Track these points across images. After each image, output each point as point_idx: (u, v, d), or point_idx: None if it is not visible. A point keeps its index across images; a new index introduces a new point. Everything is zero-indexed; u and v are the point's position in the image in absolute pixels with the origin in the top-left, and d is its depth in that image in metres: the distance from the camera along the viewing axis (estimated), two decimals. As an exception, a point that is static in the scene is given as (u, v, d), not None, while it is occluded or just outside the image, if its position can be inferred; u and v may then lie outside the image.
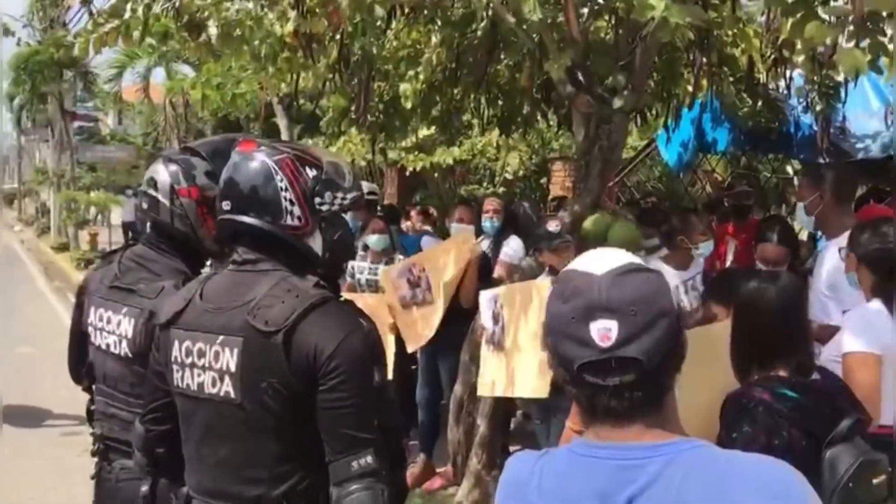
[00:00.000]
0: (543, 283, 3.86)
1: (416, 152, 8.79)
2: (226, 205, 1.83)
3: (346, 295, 4.66)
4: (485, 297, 4.23)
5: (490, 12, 4.25)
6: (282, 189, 1.78)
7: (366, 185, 6.20)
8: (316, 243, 1.86)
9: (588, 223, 4.43)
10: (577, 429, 2.21)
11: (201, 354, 1.74)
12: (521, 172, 9.08)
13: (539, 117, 7.03)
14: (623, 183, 9.07)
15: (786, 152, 7.37)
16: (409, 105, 5.22)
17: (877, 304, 2.65)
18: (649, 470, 1.13)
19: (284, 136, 7.15)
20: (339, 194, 1.87)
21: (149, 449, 1.96)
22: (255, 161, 1.82)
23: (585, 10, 4.24)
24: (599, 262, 1.21)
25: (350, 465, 1.66)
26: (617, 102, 4.01)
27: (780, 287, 2.23)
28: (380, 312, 4.57)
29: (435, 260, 4.73)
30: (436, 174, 10.83)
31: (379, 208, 6.43)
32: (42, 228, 26.49)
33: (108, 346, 2.23)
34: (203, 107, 7.97)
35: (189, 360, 1.76)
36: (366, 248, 5.22)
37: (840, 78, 5.69)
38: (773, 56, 5.53)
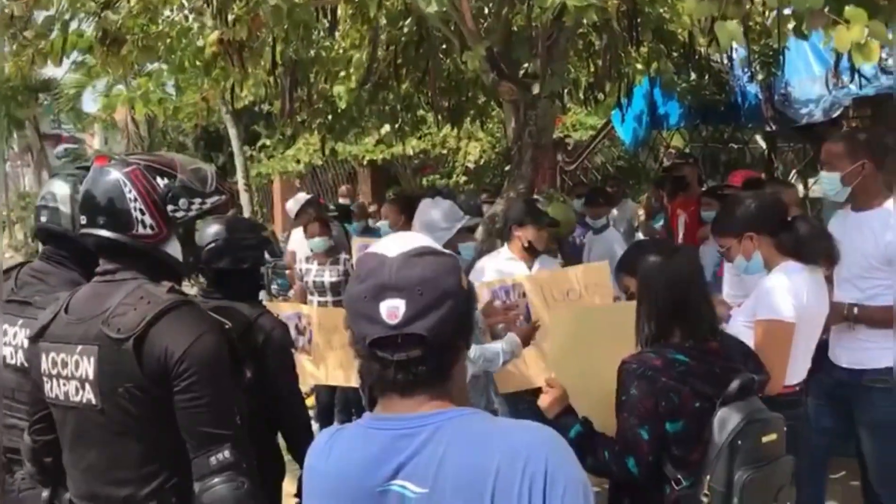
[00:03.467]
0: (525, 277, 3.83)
1: (378, 146, 8.89)
2: (83, 219, 1.89)
3: (306, 310, 4.80)
4: (488, 288, 3.79)
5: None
6: (131, 200, 1.84)
7: (302, 196, 6.28)
8: (174, 249, 1.91)
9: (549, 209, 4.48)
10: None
11: (64, 365, 1.81)
12: (482, 161, 9.15)
13: (496, 106, 7.11)
14: (584, 166, 9.13)
15: (735, 122, 7.43)
16: (343, 105, 5.26)
17: (787, 266, 2.70)
18: (419, 438, 1.20)
19: (234, 144, 7.23)
20: (197, 200, 1.93)
21: (37, 459, 2.02)
22: (107, 175, 1.87)
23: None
24: (395, 244, 1.28)
25: (209, 461, 1.73)
26: (535, 88, 4.06)
27: (676, 259, 2.29)
28: (336, 323, 4.50)
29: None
30: (407, 170, 10.92)
31: (332, 207, 6.48)
32: (31, 253, 26.54)
33: (4, 357, 2.29)
34: (160, 121, 8.12)
35: (55, 371, 1.83)
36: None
37: (778, 46, 5.78)
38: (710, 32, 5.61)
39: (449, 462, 1.17)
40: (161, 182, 1.87)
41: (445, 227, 3.26)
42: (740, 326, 2.69)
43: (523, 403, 3.95)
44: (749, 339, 2.52)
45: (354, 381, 4.37)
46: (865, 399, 3.03)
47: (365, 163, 10.85)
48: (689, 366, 2.10)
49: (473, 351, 2.75)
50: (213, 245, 2.63)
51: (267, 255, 2.90)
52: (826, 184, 3.10)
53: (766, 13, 5.01)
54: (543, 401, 2.30)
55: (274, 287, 6.90)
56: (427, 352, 1.22)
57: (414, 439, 1.21)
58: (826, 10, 2.88)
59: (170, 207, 1.88)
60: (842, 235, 2.84)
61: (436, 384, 1.25)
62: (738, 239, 2.76)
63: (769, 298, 2.63)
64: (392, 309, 1.21)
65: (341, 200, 8.27)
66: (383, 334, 1.21)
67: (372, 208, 7.85)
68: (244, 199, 7.16)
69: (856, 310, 2.98)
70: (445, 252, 1.33)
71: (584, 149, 8.86)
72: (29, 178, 24.83)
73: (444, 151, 9.58)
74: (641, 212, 7.39)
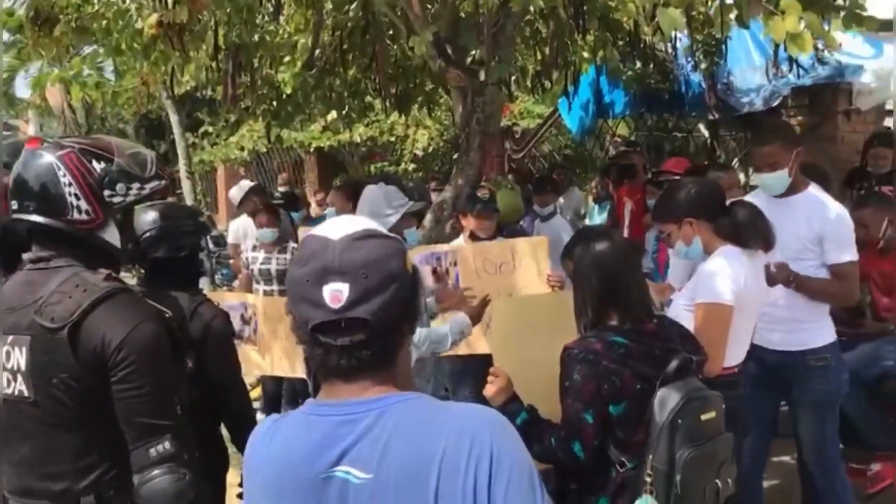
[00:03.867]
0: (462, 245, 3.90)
1: (325, 133, 8.79)
2: (14, 204, 1.81)
3: (252, 299, 4.72)
4: (417, 255, 3.87)
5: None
6: (65, 184, 1.77)
7: (246, 183, 6.17)
8: (112, 236, 1.85)
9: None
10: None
11: None
12: (431, 149, 9.12)
13: (444, 94, 7.07)
14: (532, 154, 9.17)
15: (679, 111, 7.55)
16: (288, 91, 5.17)
17: (725, 250, 2.75)
18: (363, 423, 1.19)
19: (176, 130, 7.06)
20: (135, 185, 1.87)
21: None
22: (40, 159, 1.80)
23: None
24: (338, 227, 1.25)
25: (148, 452, 1.68)
26: (482, 74, 4.05)
27: (608, 244, 2.31)
28: (282, 313, 4.46)
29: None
30: (354, 157, 10.82)
31: (276, 195, 6.38)
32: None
33: None
34: (99, 107, 7.87)
35: None
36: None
37: (721, 36, 5.88)
38: (655, 19, 5.68)
39: (394, 447, 1.16)
40: (97, 166, 1.81)
41: (390, 212, 3.26)
42: (681, 310, 2.74)
43: (467, 389, 3.98)
44: (689, 322, 2.57)
45: (300, 372, 4.38)
46: (806, 378, 3.12)
47: (311, 150, 10.73)
48: (629, 348, 2.14)
49: (419, 335, 2.74)
50: (149, 234, 2.55)
51: (211, 245, 2.84)
52: (772, 182, 3.15)
53: (709, 2, 5.09)
54: (489, 390, 2.32)
55: (218, 277, 6.77)
56: (371, 336, 1.19)
57: (357, 425, 1.19)
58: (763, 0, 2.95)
59: (106, 192, 1.81)
60: (772, 220, 2.90)
61: (380, 369, 1.23)
62: (677, 224, 2.81)
63: (708, 282, 2.68)
64: (335, 292, 1.18)
65: (281, 188, 8.15)
66: (326, 318, 1.18)
67: (318, 196, 7.75)
68: (186, 186, 7.00)
69: (793, 283, 3.06)
70: (390, 235, 1.30)
71: (532, 137, 8.90)
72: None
73: (392, 139, 9.52)
74: (590, 199, 7.47)
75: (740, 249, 2.72)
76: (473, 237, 3.97)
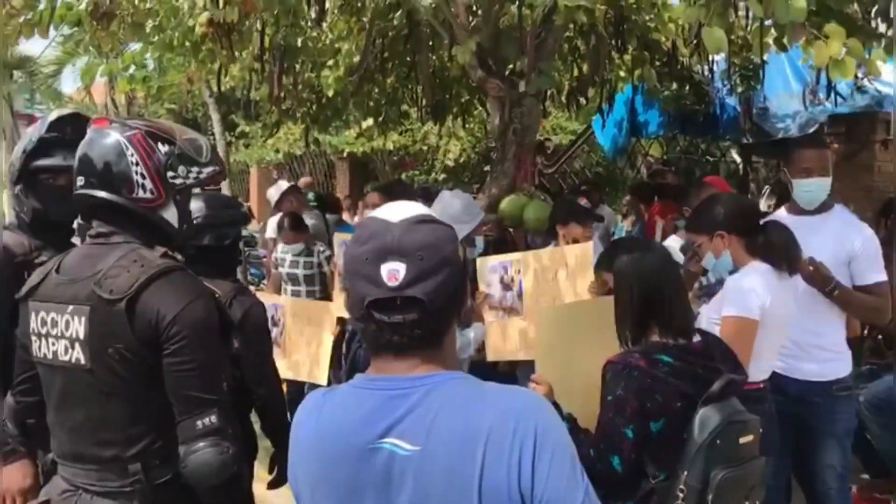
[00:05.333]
0: (551, 251, 3.96)
1: (358, 139, 8.91)
2: (80, 180, 1.89)
3: (282, 300, 4.80)
4: (489, 264, 4.00)
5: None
6: (133, 163, 1.85)
7: (284, 183, 6.27)
8: (171, 215, 1.93)
9: (504, 204, 4.54)
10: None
11: (54, 324, 1.82)
12: (462, 160, 9.19)
13: (478, 105, 7.16)
14: (562, 170, 9.20)
15: (713, 134, 7.56)
16: (330, 93, 5.28)
17: (755, 266, 2.78)
18: (412, 398, 1.24)
19: (216, 129, 7.19)
20: (195, 169, 1.95)
21: (19, 420, 2.03)
22: (107, 137, 1.88)
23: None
24: (398, 211, 1.32)
25: (195, 424, 1.74)
26: (522, 85, 4.12)
27: (651, 256, 2.33)
28: (322, 319, 4.43)
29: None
30: (385, 165, 10.92)
31: (311, 197, 6.47)
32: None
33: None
34: (146, 101, 8.07)
35: (45, 330, 1.84)
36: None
37: (759, 60, 5.91)
38: (695, 41, 5.72)
39: (441, 422, 1.21)
40: (162, 148, 1.89)
41: (467, 219, 3.37)
42: (708, 322, 2.77)
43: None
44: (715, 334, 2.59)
45: (321, 378, 4.44)
46: (831, 409, 3.10)
47: (344, 155, 10.84)
48: (673, 367, 2.14)
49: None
50: (195, 221, 2.63)
51: (241, 244, 2.92)
52: (818, 189, 3.13)
53: (749, 26, 5.12)
54: None
55: (248, 276, 6.86)
56: (423, 316, 1.25)
57: (407, 399, 1.24)
58: (807, 24, 3.00)
59: (169, 174, 1.89)
60: (799, 239, 2.86)
61: (429, 348, 1.28)
62: (709, 236, 2.84)
63: (735, 295, 2.71)
64: (393, 271, 1.23)
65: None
66: (382, 296, 1.24)
67: (346, 202, 7.85)
68: (224, 184, 7.12)
69: (835, 291, 3.00)
70: (444, 222, 1.36)
71: (564, 153, 8.94)
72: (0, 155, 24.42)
73: (425, 148, 9.62)
74: (619, 218, 7.48)
75: (770, 267, 2.75)
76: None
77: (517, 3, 4.13)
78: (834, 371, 3.10)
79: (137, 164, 1.86)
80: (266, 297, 4.68)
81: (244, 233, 3.16)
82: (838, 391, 3.09)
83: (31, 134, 2.45)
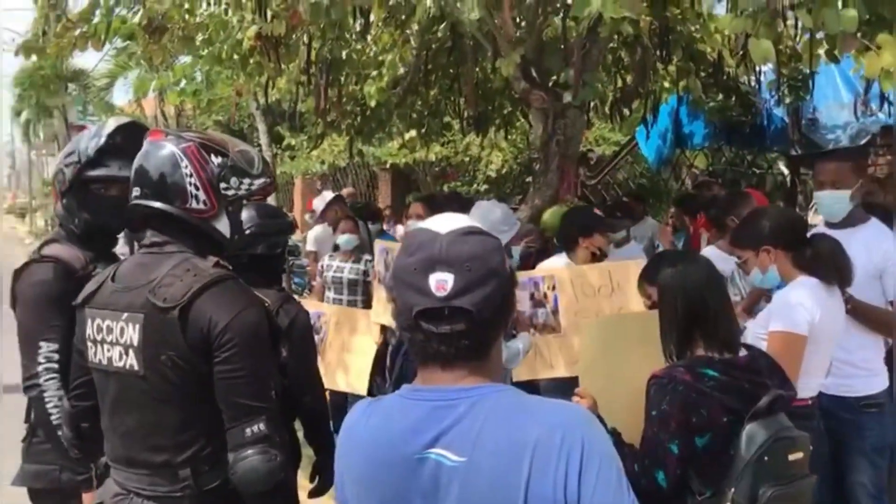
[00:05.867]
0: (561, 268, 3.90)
1: (401, 150, 9.01)
2: (136, 191, 1.95)
3: (325, 308, 4.85)
4: (521, 279, 3.87)
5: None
6: (187, 175, 1.90)
7: (328, 194, 6.36)
8: (223, 226, 1.97)
9: (547, 215, 4.54)
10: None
11: (110, 331, 1.87)
12: (504, 171, 9.21)
13: (521, 117, 7.17)
14: (606, 181, 9.15)
15: (760, 145, 7.45)
16: (373, 104, 5.34)
17: (802, 281, 2.73)
18: (459, 410, 1.25)
19: (263, 140, 7.33)
20: (246, 180, 1.99)
21: (74, 424, 2.08)
22: (162, 149, 1.94)
23: (536, 8, 4.34)
24: (445, 222, 1.33)
25: (244, 432, 1.78)
26: (567, 97, 4.12)
27: (695, 269, 2.31)
28: (366, 328, 4.46)
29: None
30: (427, 176, 10.99)
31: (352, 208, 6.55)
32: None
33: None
34: (194, 112, 8.30)
35: (100, 337, 1.89)
36: (336, 247, 5.33)
37: (808, 70, 5.81)
38: (741, 51, 5.65)
39: (487, 434, 1.22)
40: (215, 160, 1.93)
41: (505, 228, 3.37)
42: (755, 337, 2.73)
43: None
44: (763, 349, 2.55)
45: (360, 389, 4.44)
46: (859, 425, 3.04)
47: (387, 166, 10.94)
48: (719, 381, 2.11)
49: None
50: (248, 230, 2.68)
51: (286, 253, 2.97)
52: (832, 202, 3.14)
53: (798, 37, 5.05)
54: None
55: (292, 286, 6.95)
56: (471, 326, 1.26)
57: (453, 410, 1.25)
58: (859, 35, 2.94)
59: (222, 185, 1.94)
60: None
61: (476, 359, 1.29)
62: (755, 251, 2.80)
63: (783, 311, 2.67)
64: (441, 282, 1.25)
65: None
66: (431, 305, 1.25)
67: (387, 212, 7.93)
68: (270, 197, 7.26)
69: (849, 304, 2.94)
70: (491, 234, 1.37)
71: (607, 164, 8.89)
72: (53, 166, 25.23)
73: (466, 159, 9.66)
74: (664, 232, 7.40)
75: (818, 281, 2.70)
76: (600, 256, 3.94)
77: (561, 15, 4.14)
78: (864, 387, 3.05)
79: (191, 175, 1.90)
80: (310, 305, 4.74)
81: (289, 243, 3.22)
82: (867, 407, 3.04)
83: (80, 142, 2.44)
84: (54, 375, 2.26)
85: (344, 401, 5.33)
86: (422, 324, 1.27)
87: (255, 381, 1.80)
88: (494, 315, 1.29)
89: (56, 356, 2.26)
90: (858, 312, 3.01)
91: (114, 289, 1.90)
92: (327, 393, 5.59)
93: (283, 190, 14.13)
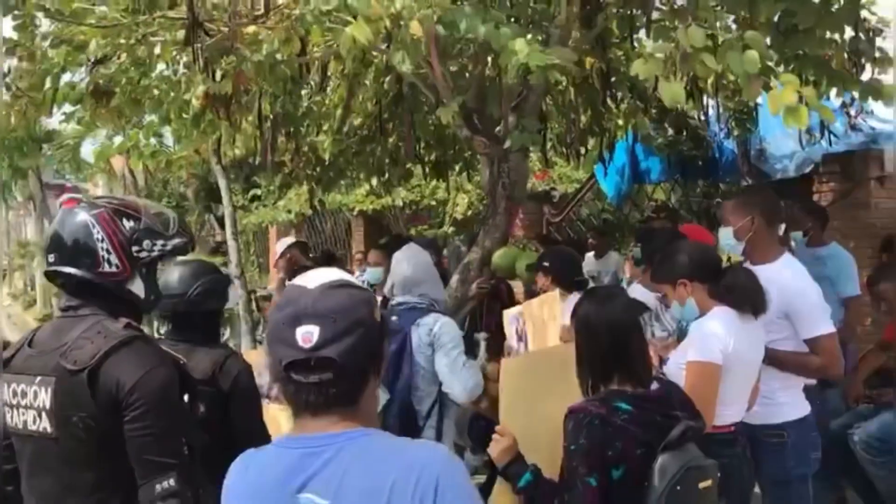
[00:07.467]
0: (555, 296, 4.04)
1: (368, 196, 9.15)
2: (51, 257, 2.03)
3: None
4: (508, 316, 4.26)
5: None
6: (99, 240, 1.99)
7: (288, 239, 6.45)
8: (137, 287, 2.05)
9: (496, 257, 4.63)
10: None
11: (24, 395, 1.93)
12: (469, 213, 9.35)
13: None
14: (571, 218, 9.29)
15: (713, 178, 7.61)
16: (326, 156, 5.45)
17: (718, 313, 2.82)
18: (324, 457, 1.32)
19: (224, 196, 7.44)
20: (160, 241, 2.08)
21: (1, 487, 2.12)
22: (76, 217, 2.02)
23: (475, 56, 4.48)
24: (315, 278, 1.41)
25: (154, 488, 1.84)
26: (507, 142, 4.23)
27: (612, 306, 2.39)
28: None
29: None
30: (399, 220, 11.10)
31: (311, 254, 6.63)
32: (29, 301, 26.60)
33: None
34: (158, 170, 8.39)
35: (16, 401, 1.95)
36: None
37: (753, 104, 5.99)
38: (687, 88, 5.81)
39: (350, 478, 1.29)
40: (127, 224, 2.02)
41: (426, 278, 3.38)
42: (675, 368, 2.82)
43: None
44: (682, 380, 2.63)
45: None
46: (755, 454, 3.01)
47: (356, 213, 11.07)
48: (632, 414, 2.19)
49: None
50: (199, 288, 2.73)
51: (260, 303, 3.03)
52: (723, 238, 3.27)
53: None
54: (493, 450, 2.37)
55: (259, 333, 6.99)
56: (338, 375, 1.33)
57: (319, 457, 1.32)
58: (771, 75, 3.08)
59: (134, 248, 2.02)
60: None
61: (345, 406, 1.36)
62: (672, 285, 2.89)
63: (698, 342, 2.77)
64: (307, 334, 1.32)
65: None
66: (297, 357, 1.33)
67: (358, 256, 8.01)
68: (232, 248, 7.33)
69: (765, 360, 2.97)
70: (362, 287, 1.46)
71: (569, 201, 9.05)
72: (31, 226, 25.17)
73: (434, 203, 9.81)
74: (627, 265, 7.51)
75: (734, 311, 2.79)
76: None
77: (490, 63, 4.28)
78: (762, 416, 3.04)
79: (103, 240, 1.99)
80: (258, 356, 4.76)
81: (263, 292, 3.29)
82: (765, 437, 3.04)
83: None
84: None
85: None
86: (291, 375, 1.34)
87: (165, 438, 1.86)
88: (361, 363, 1.36)
89: None
90: (774, 362, 3.03)
91: (29, 354, 1.97)
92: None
93: (260, 239, 14.23)
